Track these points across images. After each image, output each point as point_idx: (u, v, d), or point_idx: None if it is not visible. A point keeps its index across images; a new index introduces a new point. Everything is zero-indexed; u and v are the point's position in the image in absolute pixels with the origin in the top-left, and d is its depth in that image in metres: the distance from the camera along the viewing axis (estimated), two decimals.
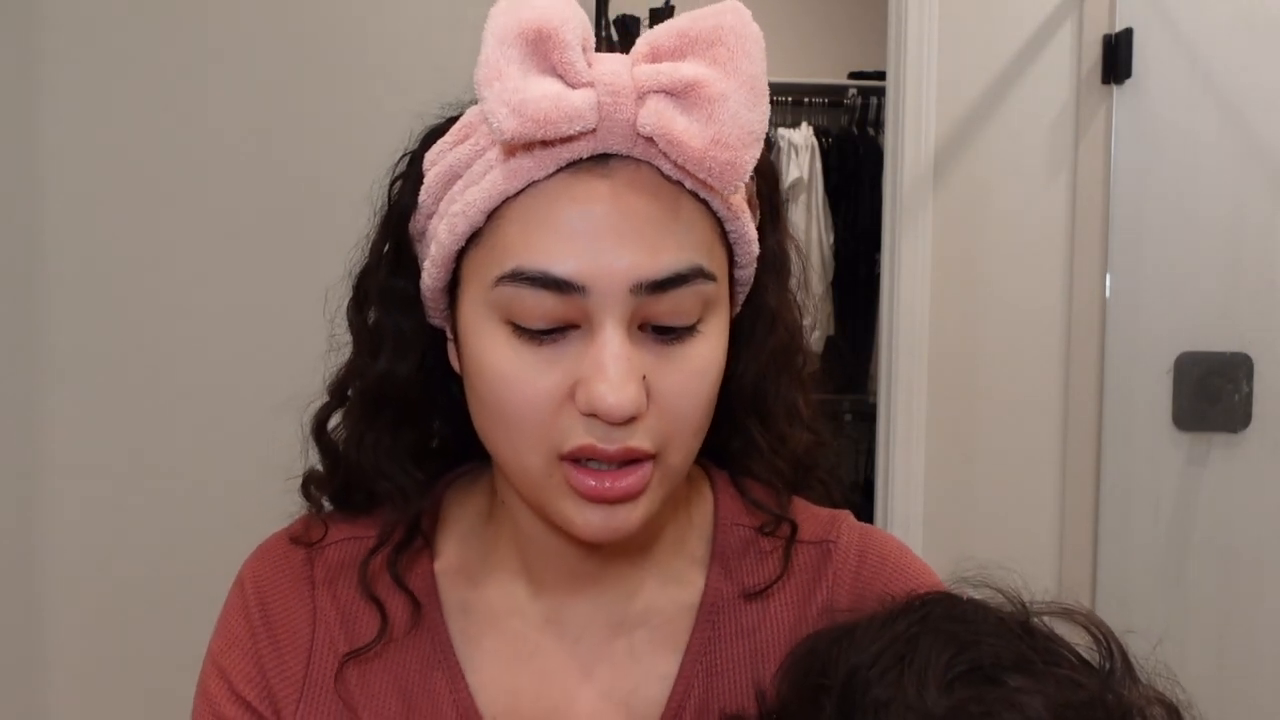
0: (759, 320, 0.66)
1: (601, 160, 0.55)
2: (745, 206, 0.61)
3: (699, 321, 0.57)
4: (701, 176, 0.54)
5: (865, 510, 2.19)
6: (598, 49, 0.57)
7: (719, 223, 0.59)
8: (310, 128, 1.79)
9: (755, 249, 0.62)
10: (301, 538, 0.68)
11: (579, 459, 0.56)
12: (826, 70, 3.80)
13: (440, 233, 0.59)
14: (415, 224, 0.63)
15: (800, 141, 3.59)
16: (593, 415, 0.55)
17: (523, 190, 0.56)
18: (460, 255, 0.60)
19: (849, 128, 3.69)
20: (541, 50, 0.54)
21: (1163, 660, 0.53)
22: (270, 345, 1.78)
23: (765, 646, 0.66)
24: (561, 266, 0.54)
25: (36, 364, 1.75)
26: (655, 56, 0.55)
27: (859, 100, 3.65)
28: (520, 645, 0.66)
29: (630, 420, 0.55)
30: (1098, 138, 2.01)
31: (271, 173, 1.79)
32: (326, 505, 0.71)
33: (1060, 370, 2.04)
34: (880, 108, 3.34)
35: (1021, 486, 2.06)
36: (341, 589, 0.67)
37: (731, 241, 0.61)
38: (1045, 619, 0.55)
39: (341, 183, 1.77)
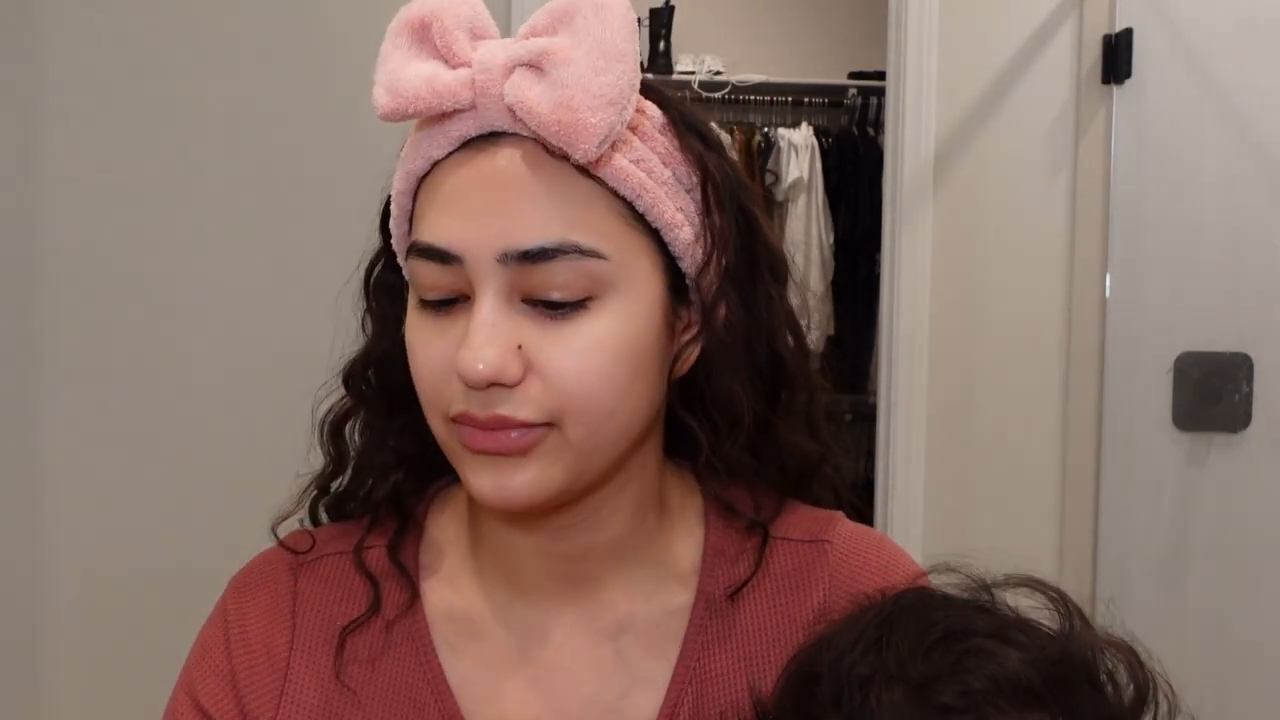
0: (700, 316, 0.64)
1: (491, 137, 0.58)
2: (655, 187, 0.60)
3: (589, 299, 0.57)
4: (552, 142, 0.55)
5: (865, 510, 2.19)
6: None
7: (629, 205, 0.59)
8: (316, 126, 1.79)
9: (683, 235, 0.61)
10: (290, 548, 0.69)
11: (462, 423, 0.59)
12: (826, 70, 3.81)
13: (392, 225, 0.64)
14: None
15: (800, 141, 3.59)
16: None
17: (430, 170, 0.60)
18: None
19: (849, 128, 3.70)
20: (426, 37, 0.58)
21: (1117, 619, 0.56)
22: (274, 346, 1.78)
23: (756, 649, 0.65)
24: (441, 238, 0.57)
25: (37, 364, 1.76)
26: (532, 35, 0.57)
27: (859, 100, 3.66)
28: (505, 653, 0.65)
29: (496, 386, 0.56)
30: (1098, 138, 2.01)
31: (274, 172, 1.79)
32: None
33: (1060, 370, 2.04)
34: (880, 108, 3.35)
35: (1021, 486, 2.06)
36: (325, 599, 0.67)
37: (655, 227, 0.60)
38: (1008, 595, 0.58)
39: (344, 182, 1.78)
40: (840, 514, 0.72)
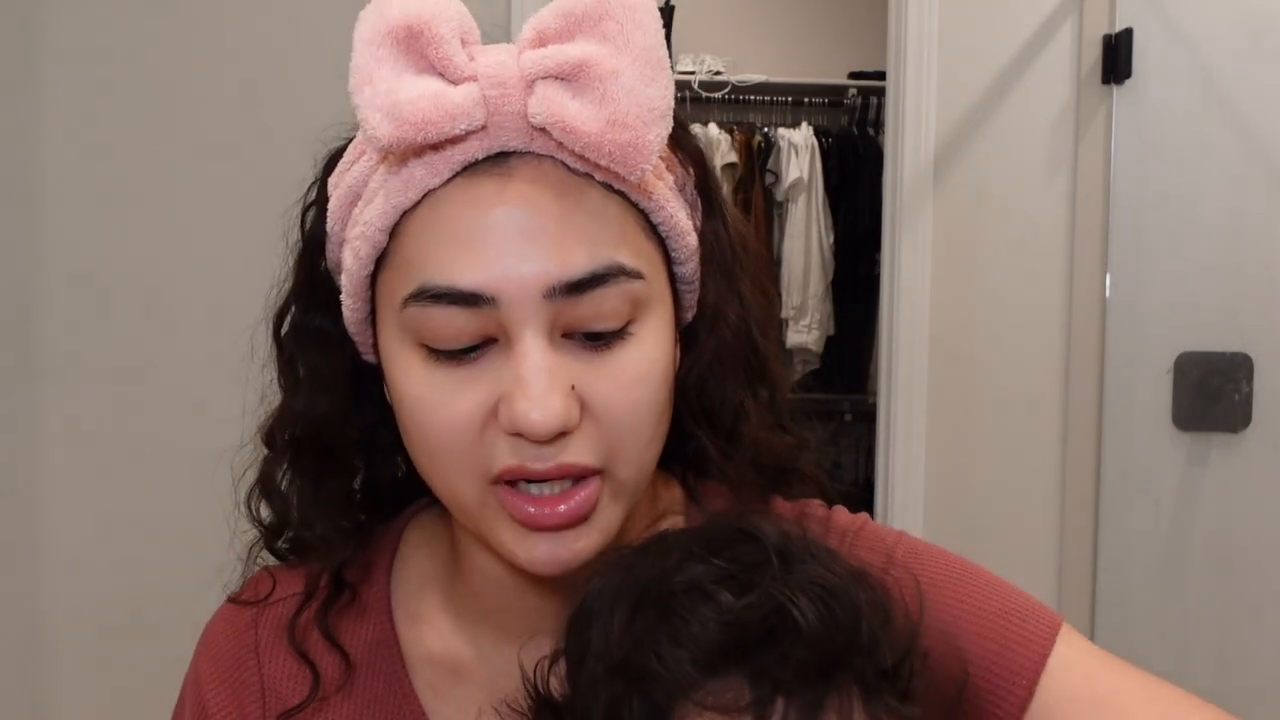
0: (700, 317, 0.60)
1: (500, 160, 0.51)
2: (671, 195, 0.56)
3: (630, 323, 0.52)
4: (604, 163, 0.50)
5: (865, 511, 2.18)
6: None
7: (644, 216, 0.55)
8: (314, 130, 1.79)
9: (690, 241, 0.57)
10: (248, 599, 0.65)
11: (511, 481, 0.52)
12: (826, 70, 3.81)
13: (347, 260, 0.56)
14: (330, 255, 0.60)
15: (800, 141, 3.59)
16: (518, 434, 0.51)
17: (420, 201, 0.52)
18: (373, 281, 0.56)
19: (849, 128, 3.69)
20: (415, 48, 0.50)
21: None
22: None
23: None
24: (467, 278, 0.50)
25: (37, 366, 1.75)
26: (542, 41, 0.51)
27: (859, 100, 3.65)
28: (491, 695, 0.60)
29: (560, 435, 0.51)
30: (1098, 138, 2.01)
31: (275, 175, 1.79)
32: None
33: (1060, 370, 2.04)
34: (880, 108, 3.34)
35: (1021, 486, 2.05)
36: (288, 656, 0.63)
37: (663, 235, 0.56)
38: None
39: None
40: (815, 501, 0.68)
